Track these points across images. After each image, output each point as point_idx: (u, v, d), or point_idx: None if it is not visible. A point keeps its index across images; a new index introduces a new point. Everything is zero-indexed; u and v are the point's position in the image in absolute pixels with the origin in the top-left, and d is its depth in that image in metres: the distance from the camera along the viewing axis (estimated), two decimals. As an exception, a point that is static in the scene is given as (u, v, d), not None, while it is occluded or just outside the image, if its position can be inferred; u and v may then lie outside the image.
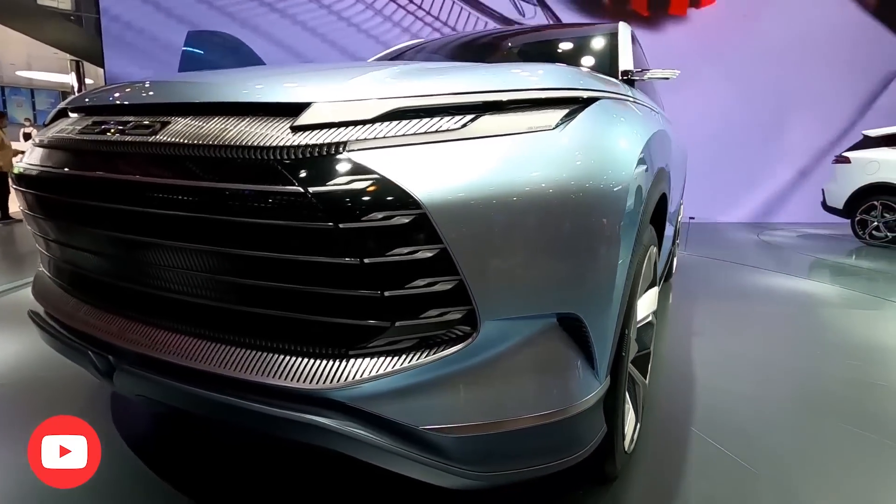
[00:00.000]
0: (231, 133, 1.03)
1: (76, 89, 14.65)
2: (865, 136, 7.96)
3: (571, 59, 2.75)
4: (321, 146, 0.98)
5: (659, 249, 2.01)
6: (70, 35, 12.14)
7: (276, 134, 1.01)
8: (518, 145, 1.05)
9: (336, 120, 1.02)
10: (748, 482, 1.67)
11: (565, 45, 2.96)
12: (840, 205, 7.97)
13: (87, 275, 1.37)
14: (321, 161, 0.97)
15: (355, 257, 0.95)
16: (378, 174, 0.95)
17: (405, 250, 0.95)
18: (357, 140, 0.99)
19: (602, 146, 1.19)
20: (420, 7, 9.58)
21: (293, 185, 0.95)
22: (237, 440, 1.77)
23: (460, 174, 0.98)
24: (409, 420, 1.04)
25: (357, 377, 1.00)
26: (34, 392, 2.13)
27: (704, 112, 9.96)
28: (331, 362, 1.01)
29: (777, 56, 10.19)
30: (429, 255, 0.96)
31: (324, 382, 1.00)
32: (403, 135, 1.01)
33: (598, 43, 2.71)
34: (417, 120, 1.03)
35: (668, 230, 2.54)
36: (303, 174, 0.96)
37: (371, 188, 0.94)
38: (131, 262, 1.23)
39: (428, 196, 0.94)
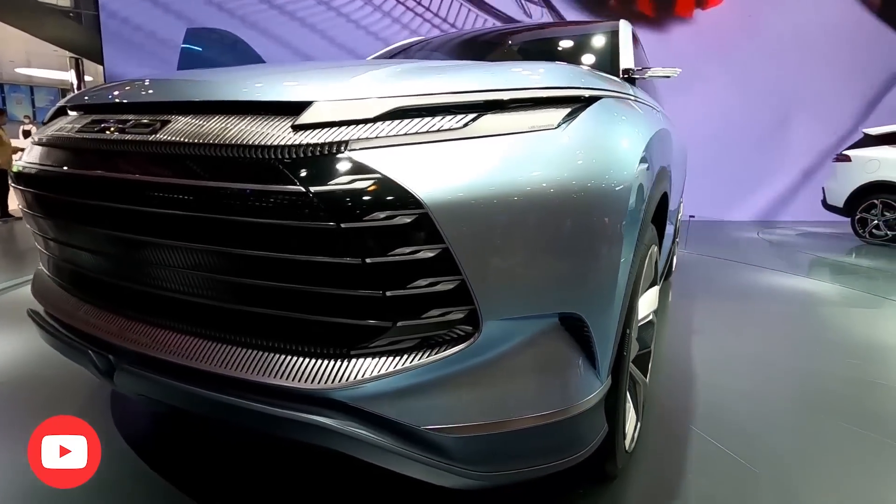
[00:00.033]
0: (232, 132, 1.03)
1: (75, 86, 14.63)
2: (866, 135, 7.96)
3: (572, 56, 2.74)
4: (322, 145, 0.98)
5: (660, 248, 2.01)
6: (69, 32, 12.10)
7: (278, 133, 1.00)
8: (520, 145, 1.05)
9: (337, 119, 1.01)
10: (748, 481, 1.67)
11: (566, 43, 2.96)
12: (840, 203, 7.98)
13: (87, 274, 1.37)
14: (323, 160, 0.97)
15: (357, 257, 0.95)
16: (380, 174, 0.95)
17: (407, 250, 0.95)
18: (358, 139, 0.98)
19: (604, 145, 1.19)
20: (428, 9, 9.55)
21: (294, 184, 0.94)
22: (237, 439, 1.77)
23: (462, 174, 0.98)
24: (411, 420, 1.04)
25: (359, 377, 0.99)
26: (33, 391, 2.13)
27: (710, 112, 9.99)
28: (332, 362, 1.01)
29: (782, 56, 10.21)
30: (430, 254, 0.96)
31: (325, 382, 1.00)
32: (405, 134, 1.00)
33: (599, 41, 2.71)
34: (419, 119, 1.03)
35: (669, 229, 2.54)
36: (304, 174, 0.95)
37: (373, 188, 0.94)
38: (132, 261, 1.23)
39: (430, 196, 0.94)
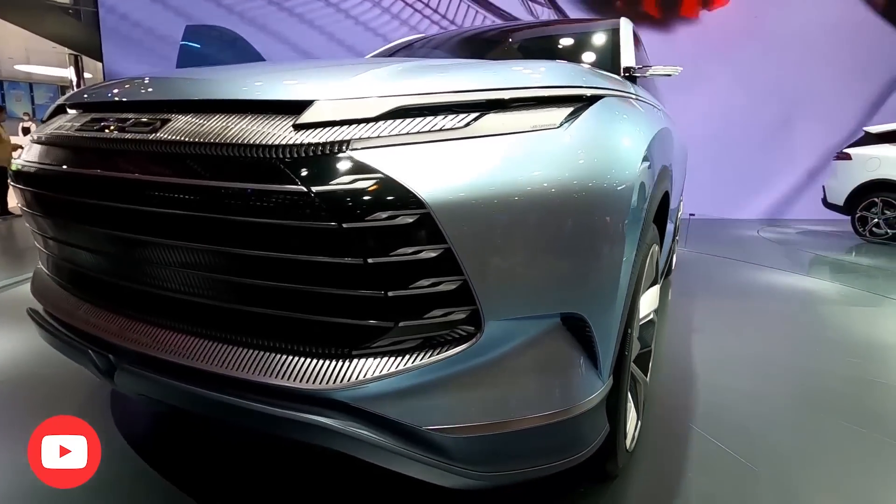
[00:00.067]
0: (233, 131, 1.02)
1: (75, 83, 14.60)
2: (867, 133, 7.94)
3: (573, 55, 2.73)
4: (324, 145, 0.97)
5: (661, 247, 2.01)
6: (68, 29, 12.07)
7: (279, 132, 1.00)
8: (522, 144, 1.04)
9: (339, 118, 1.01)
10: (748, 480, 1.67)
11: (566, 41, 2.95)
12: (840, 201, 7.97)
13: (87, 273, 1.36)
14: (324, 160, 0.96)
15: (359, 257, 0.95)
16: (382, 173, 0.94)
17: (409, 250, 0.95)
18: (360, 139, 0.98)
19: (606, 145, 1.18)
20: (437, 10, 9.52)
21: (296, 184, 0.94)
22: (237, 439, 1.76)
23: (464, 173, 0.97)
24: (413, 420, 1.03)
25: (360, 377, 0.99)
26: (33, 389, 2.12)
27: (716, 112, 10.03)
28: (334, 362, 1.01)
29: (788, 56, 10.20)
30: (433, 254, 0.95)
31: (327, 383, 0.99)
32: (407, 133, 1.00)
33: (600, 39, 2.70)
34: (421, 118, 1.02)
35: (669, 227, 2.53)
36: (306, 173, 0.95)
37: (375, 187, 0.93)
38: (132, 260, 1.22)
39: (432, 195, 0.93)
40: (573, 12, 9.77)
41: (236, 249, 1.01)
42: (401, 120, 1.01)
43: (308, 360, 1.02)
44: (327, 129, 1.00)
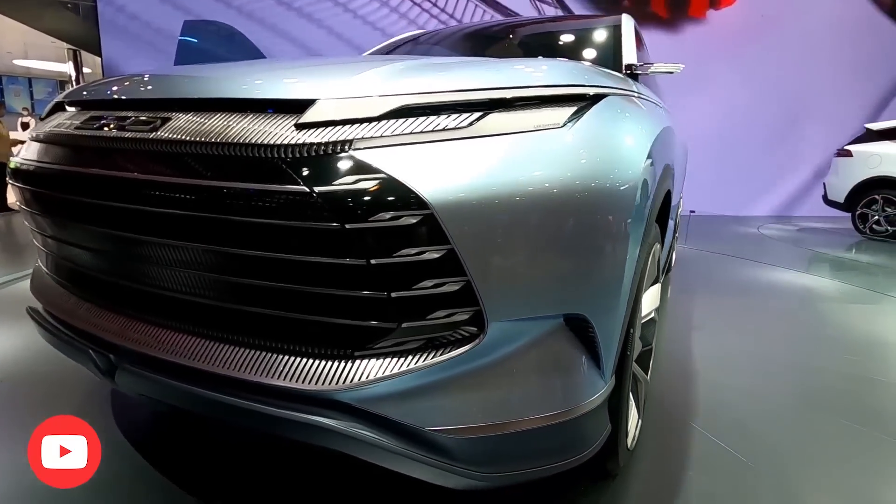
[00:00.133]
0: (234, 130, 1.02)
1: (74, 78, 14.56)
2: (868, 130, 7.93)
3: (574, 51, 2.72)
4: (326, 144, 0.96)
5: (662, 245, 2.00)
6: (67, 23, 12.03)
7: (281, 132, 0.99)
8: (525, 144, 1.03)
9: (341, 117, 1.00)
10: (748, 478, 1.67)
11: (567, 38, 2.93)
12: (841, 198, 7.96)
13: (87, 272, 1.36)
14: (326, 160, 0.96)
15: (361, 258, 0.94)
16: (385, 173, 0.94)
17: (412, 251, 0.94)
18: (363, 138, 0.97)
19: (610, 144, 1.18)
20: (444, 9, 9.49)
21: (298, 184, 0.93)
22: (237, 439, 1.76)
23: (467, 174, 0.97)
24: (415, 421, 1.03)
25: (363, 379, 0.99)
26: (32, 387, 2.12)
27: (723, 110, 10.04)
28: (336, 363, 1.01)
29: (795, 56, 10.19)
30: (436, 255, 0.95)
31: (329, 384, 0.99)
32: (410, 133, 0.99)
33: (601, 35, 2.68)
34: (424, 118, 1.02)
35: (669, 224, 2.53)
36: (308, 173, 0.94)
37: (378, 188, 0.93)
38: (133, 260, 1.21)
39: (435, 196, 0.93)
40: (581, 11, 9.74)
41: (237, 250, 1.00)
42: (403, 119, 1.01)
43: (310, 361, 1.02)
44: (329, 128, 0.99)
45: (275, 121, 1.02)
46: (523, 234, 1.00)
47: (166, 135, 1.07)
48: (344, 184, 0.93)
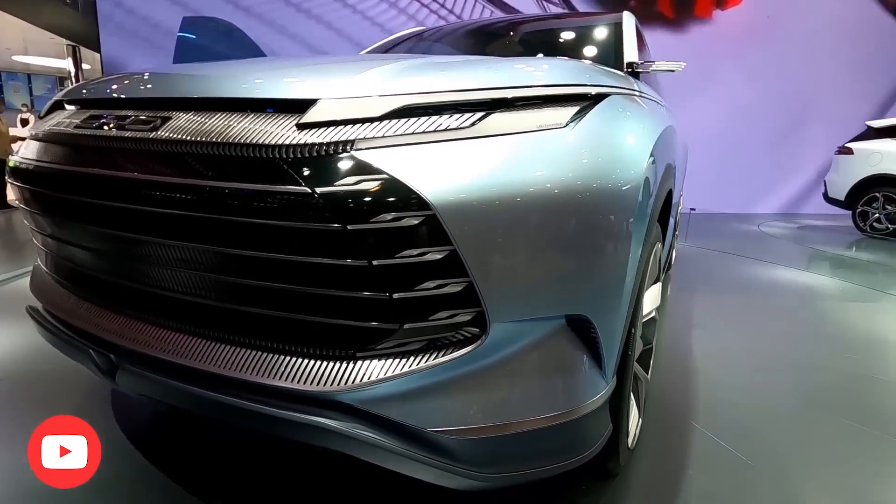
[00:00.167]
0: (235, 130, 1.01)
1: (73, 74, 14.53)
2: (869, 127, 7.91)
3: (575, 49, 2.71)
4: (328, 145, 0.96)
5: (663, 245, 2.00)
6: (66, 19, 12.00)
7: (282, 132, 0.98)
8: (528, 144, 1.03)
9: (343, 117, 0.99)
10: (748, 477, 1.67)
11: (568, 35, 2.91)
12: (842, 196, 7.95)
13: (88, 272, 1.35)
14: (328, 160, 0.95)
15: (363, 259, 0.94)
16: (386, 174, 0.93)
17: (414, 252, 0.94)
18: (364, 138, 0.97)
19: (612, 144, 1.17)
20: (452, 10, 9.47)
21: (300, 185, 0.93)
22: (237, 439, 1.76)
23: (470, 174, 0.96)
24: (417, 422, 1.03)
25: (365, 380, 0.99)
26: (32, 386, 2.12)
27: (729, 110, 10.08)
28: (338, 364, 1.00)
29: (800, 55, 10.20)
30: (438, 256, 0.94)
31: (331, 385, 0.99)
32: (412, 133, 0.99)
33: (602, 33, 2.67)
34: (426, 118, 1.01)
35: (670, 223, 2.52)
36: (309, 174, 0.94)
37: (379, 189, 0.92)
38: (133, 260, 1.21)
39: (438, 197, 0.92)
40: (586, 10, 9.72)
41: (238, 250, 1.00)
42: (405, 119, 1.00)
43: (312, 361, 1.01)
44: (331, 128, 0.98)
45: (276, 120, 1.01)
46: (526, 235, 1.00)
47: (166, 134, 1.06)
48: (345, 184, 0.92)
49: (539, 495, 1.52)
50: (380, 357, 1.00)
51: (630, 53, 2.33)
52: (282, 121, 1.01)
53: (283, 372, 1.01)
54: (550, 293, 1.06)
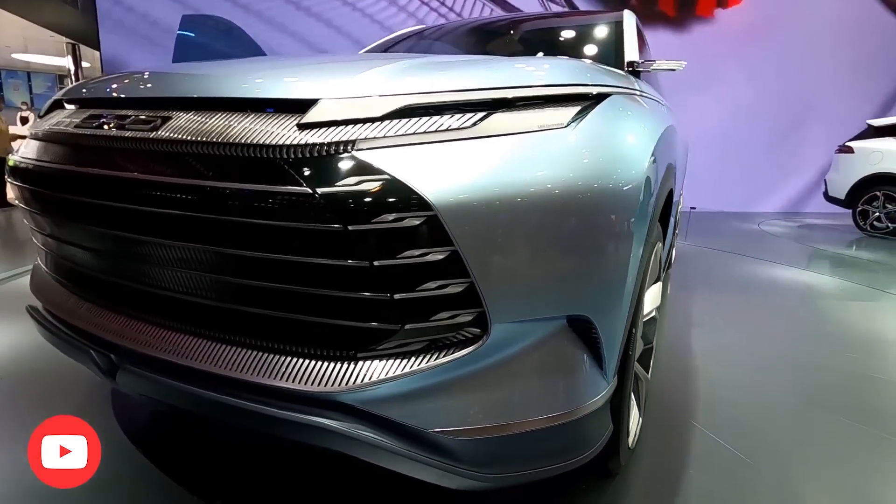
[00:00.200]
0: (236, 129, 1.01)
1: (73, 72, 14.51)
2: (870, 126, 7.90)
3: (575, 48, 2.70)
4: (329, 145, 0.96)
5: (664, 244, 1.99)
6: (66, 17, 11.99)
7: (283, 132, 0.98)
8: (529, 144, 1.03)
9: (344, 117, 0.99)
10: (748, 476, 1.67)
11: (568, 34, 2.91)
12: (842, 195, 7.94)
13: (88, 272, 1.35)
14: (329, 160, 0.95)
15: (364, 260, 0.93)
16: (388, 174, 0.93)
17: (415, 253, 0.93)
18: (366, 139, 0.97)
19: (614, 145, 1.17)
20: (442, 4, 9.45)
21: (301, 185, 0.93)
22: (237, 438, 1.76)
23: (471, 175, 0.96)
24: (418, 423, 1.03)
25: (366, 380, 0.98)
26: (31, 385, 2.12)
27: (730, 109, 10.11)
28: (339, 365, 1.00)
29: (803, 55, 10.19)
30: (439, 257, 0.94)
31: (332, 385, 0.99)
32: (413, 133, 0.98)
33: (602, 32, 2.66)
34: (427, 118, 1.01)
35: (670, 222, 2.52)
36: (310, 174, 0.94)
37: (380, 189, 0.92)
38: (134, 261, 1.21)
39: (439, 197, 0.92)
40: (588, 9, 9.72)
41: (239, 251, 1.00)
42: (407, 119, 1.00)
43: (313, 362, 1.01)
44: (332, 128, 0.98)
45: (277, 120, 1.01)
46: (527, 236, 1.00)
47: (167, 134, 1.06)
48: (347, 185, 0.92)
49: (539, 495, 1.52)
50: (381, 357, 1.00)
51: (631, 52, 2.32)
52: (283, 121, 1.01)
53: (285, 372, 1.01)
54: (552, 294, 1.06)
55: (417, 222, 0.92)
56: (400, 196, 0.92)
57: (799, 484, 1.65)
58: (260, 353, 1.05)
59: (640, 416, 1.74)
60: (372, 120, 0.99)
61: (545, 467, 1.17)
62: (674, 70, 2.23)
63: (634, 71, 2.18)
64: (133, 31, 8.95)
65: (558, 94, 1.15)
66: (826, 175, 8.35)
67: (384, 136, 0.97)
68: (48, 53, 16.73)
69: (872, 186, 7.58)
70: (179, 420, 1.86)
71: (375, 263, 0.93)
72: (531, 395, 1.09)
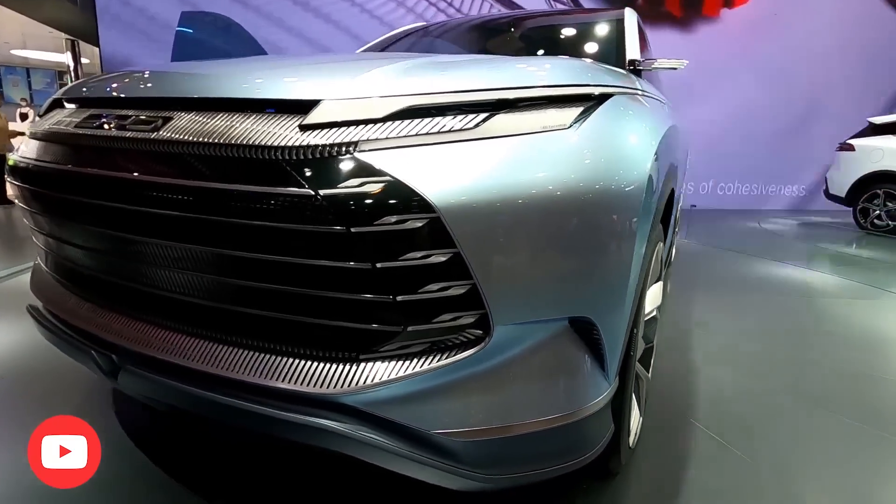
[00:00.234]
0: (237, 131, 1.00)
1: (72, 69, 14.48)
2: (870, 124, 7.89)
3: (576, 46, 2.70)
4: (331, 146, 0.95)
5: (665, 243, 1.99)
6: (65, 13, 11.96)
7: (284, 133, 0.98)
8: (532, 146, 1.02)
9: (346, 119, 0.99)
10: (748, 475, 1.67)
11: (569, 32, 2.90)
12: (843, 193, 7.93)
13: (89, 273, 1.34)
14: (331, 162, 0.95)
15: (366, 261, 0.93)
16: (390, 176, 0.92)
17: (418, 254, 0.93)
18: (368, 140, 0.96)
19: (617, 145, 1.16)
20: (447, 2, 9.43)
21: (303, 187, 0.92)
22: (238, 438, 1.75)
23: (474, 176, 0.95)
24: (421, 424, 1.03)
25: (368, 382, 0.98)
26: (32, 383, 2.11)
27: (739, 109, 10.12)
28: (342, 366, 1.00)
29: (808, 54, 10.19)
30: (442, 259, 0.94)
31: (335, 387, 0.99)
32: (416, 135, 0.98)
33: (603, 30, 2.65)
34: (429, 119, 1.00)
35: (672, 221, 2.51)
36: (313, 175, 0.93)
37: (383, 191, 0.92)
38: (135, 262, 1.20)
39: (441, 199, 0.92)
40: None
41: (241, 252, 1.00)
42: (409, 120, 0.99)
43: (316, 364, 1.01)
44: (334, 129, 0.98)
45: (278, 121, 1.01)
46: (530, 238, 0.99)
47: (168, 135, 1.06)
48: (349, 187, 0.92)
49: (540, 494, 1.52)
50: (383, 359, 1.00)
51: (632, 51, 2.32)
52: (284, 122, 1.00)
53: (287, 374, 1.01)
54: (554, 296, 1.05)
55: (420, 224, 0.92)
56: (402, 198, 0.91)
57: (799, 483, 1.65)
58: (262, 355, 1.05)
59: (640, 415, 1.74)
60: (374, 121, 0.99)
61: (547, 468, 1.17)
62: (675, 69, 2.22)
63: (636, 69, 2.17)
64: (132, 28, 8.92)
65: (561, 94, 1.14)
66: (827, 173, 8.33)
67: (386, 138, 0.97)
68: (47, 50, 16.70)
69: (873, 184, 7.57)
70: (180, 420, 1.86)
71: (378, 265, 0.93)
72: (533, 396, 1.09)
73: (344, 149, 0.95)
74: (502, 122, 1.03)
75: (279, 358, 1.03)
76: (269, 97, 1.06)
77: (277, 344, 1.05)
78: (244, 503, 1.48)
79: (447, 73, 1.14)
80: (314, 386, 0.99)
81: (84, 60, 14.78)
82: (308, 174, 0.93)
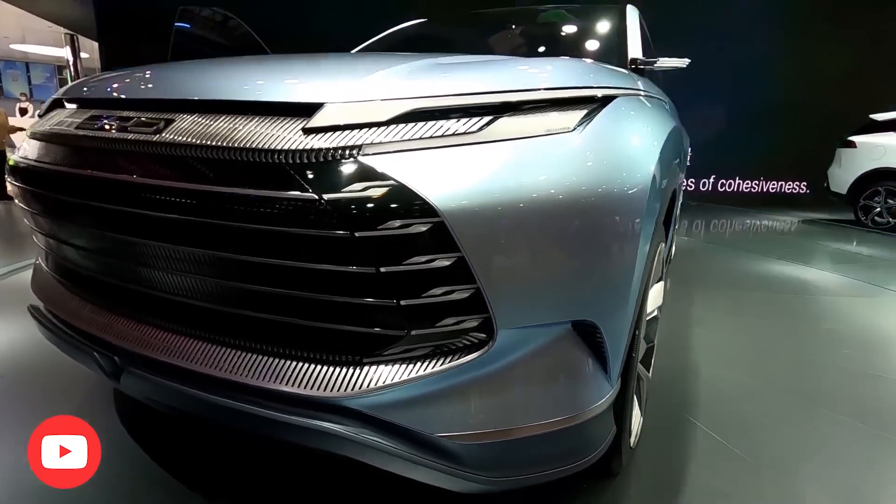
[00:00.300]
0: (240, 133, 1.00)
1: (71, 63, 14.45)
2: (872, 120, 7.86)
3: (576, 44, 2.68)
4: (335, 150, 0.95)
5: (666, 244, 1.98)
6: (64, 8, 11.93)
7: (288, 136, 0.97)
8: (536, 149, 1.02)
9: (350, 122, 0.98)
10: (748, 474, 1.67)
11: (569, 29, 2.88)
12: (844, 190, 7.93)
13: (90, 274, 1.34)
14: (335, 165, 0.94)
15: (370, 266, 0.93)
16: (394, 180, 0.92)
17: (422, 259, 0.93)
18: (372, 143, 0.96)
19: (621, 148, 1.16)
20: None
21: (306, 190, 0.92)
22: (238, 439, 1.75)
23: (478, 180, 0.95)
24: (424, 427, 1.03)
25: (372, 385, 0.98)
26: (32, 382, 2.11)
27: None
28: (345, 370, 1.00)
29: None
30: (446, 263, 0.93)
31: (339, 390, 0.99)
32: (420, 138, 0.97)
33: (604, 27, 2.63)
34: (434, 122, 1.00)
35: (672, 220, 2.50)
36: (316, 179, 0.93)
37: (387, 195, 0.91)
38: (137, 264, 1.19)
39: (445, 203, 0.91)
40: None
41: (244, 256, 0.99)
42: (413, 124, 0.99)
43: (319, 367, 1.01)
44: (338, 133, 0.97)
45: (282, 124, 1.00)
46: (534, 242, 0.99)
47: (170, 137, 1.05)
48: (353, 191, 0.91)
49: (540, 494, 1.52)
50: (387, 363, 1.00)
51: (634, 49, 2.30)
52: (288, 124, 1.00)
53: (291, 377, 1.01)
54: (558, 299, 1.05)
55: (424, 229, 0.91)
56: (406, 202, 0.91)
57: (799, 482, 1.66)
58: (266, 358, 1.05)
59: (641, 415, 1.74)
60: (378, 124, 0.98)
61: (549, 470, 1.17)
62: (678, 68, 2.21)
63: (638, 68, 2.16)
64: (132, 22, 8.88)
65: (564, 97, 1.13)
66: (828, 170, 8.32)
67: (390, 141, 0.96)
68: (46, 44, 16.68)
69: (874, 181, 7.57)
70: (180, 420, 1.86)
71: (382, 270, 0.93)
72: (536, 399, 1.09)
73: (348, 152, 0.95)
74: (506, 125, 1.02)
75: (283, 361, 1.03)
76: (273, 100, 1.06)
77: (281, 347, 1.05)
78: (245, 503, 1.48)
79: (450, 75, 1.13)
80: (318, 389, 0.99)
81: (83, 55, 14.76)
82: (312, 178, 0.93)
